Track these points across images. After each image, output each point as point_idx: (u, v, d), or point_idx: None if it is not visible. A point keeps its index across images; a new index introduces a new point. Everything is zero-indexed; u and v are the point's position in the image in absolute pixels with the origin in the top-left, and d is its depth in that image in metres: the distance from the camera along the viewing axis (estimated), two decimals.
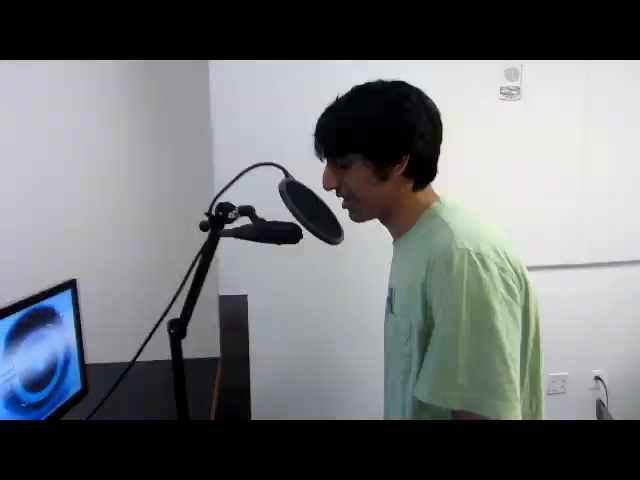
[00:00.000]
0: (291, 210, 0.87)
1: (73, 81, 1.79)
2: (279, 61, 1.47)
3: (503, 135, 1.89)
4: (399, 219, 0.93)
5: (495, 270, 0.74)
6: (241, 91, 1.54)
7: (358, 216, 0.94)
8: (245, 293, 1.43)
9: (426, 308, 0.80)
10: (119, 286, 1.76)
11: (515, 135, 1.90)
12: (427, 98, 0.90)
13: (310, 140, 0.94)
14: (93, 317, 1.42)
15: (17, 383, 1.07)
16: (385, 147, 0.85)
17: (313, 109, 0.95)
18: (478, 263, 0.74)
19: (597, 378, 2.07)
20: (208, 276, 0.95)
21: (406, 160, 0.85)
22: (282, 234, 0.90)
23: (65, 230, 1.80)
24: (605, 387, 2.05)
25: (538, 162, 1.93)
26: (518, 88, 1.95)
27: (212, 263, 0.94)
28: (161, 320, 0.92)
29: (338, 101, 0.91)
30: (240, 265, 1.39)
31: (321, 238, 0.89)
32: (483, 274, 0.73)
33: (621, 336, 2.05)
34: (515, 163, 1.91)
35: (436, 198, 0.93)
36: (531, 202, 1.92)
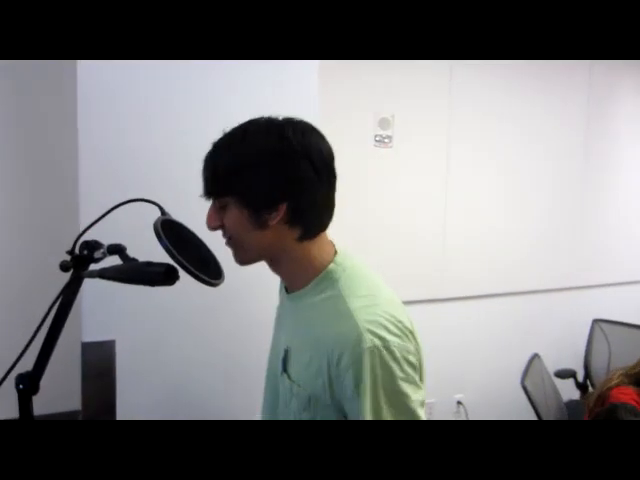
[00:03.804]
0: (167, 250, 0.79)
1: None
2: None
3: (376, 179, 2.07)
4: (289, 269, 0.86)
5: (400, 356, 0.76)
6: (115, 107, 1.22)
7: (239, 259, 0.86)
8: (113, 338, 1.24)
9: (333, 391, 0.79)
10: None
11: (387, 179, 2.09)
12: (315, 141, 0.81)
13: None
14: None
15: None
16: (259, 195, 0.78)
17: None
18: (386, 355, 0.75)
19: (459, 403, 2.36)
20: (70, 321, 0.84)
21: (283, 209, 0.78)
22: (156, 275, 0.80)
23: None
24: (465, 410, 2.36)
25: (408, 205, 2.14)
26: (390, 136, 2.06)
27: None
28: (8, 374, 0.80)
29: (222, 138, 0.82)
30: (108, 308, 1.22)
31: (201, 280, 0.81)
32: (392, 364, 0.75)
33: (478, 364, 2.37)
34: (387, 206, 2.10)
35: (332, 251, 0.87)
36: (400, 243, 2.12)
